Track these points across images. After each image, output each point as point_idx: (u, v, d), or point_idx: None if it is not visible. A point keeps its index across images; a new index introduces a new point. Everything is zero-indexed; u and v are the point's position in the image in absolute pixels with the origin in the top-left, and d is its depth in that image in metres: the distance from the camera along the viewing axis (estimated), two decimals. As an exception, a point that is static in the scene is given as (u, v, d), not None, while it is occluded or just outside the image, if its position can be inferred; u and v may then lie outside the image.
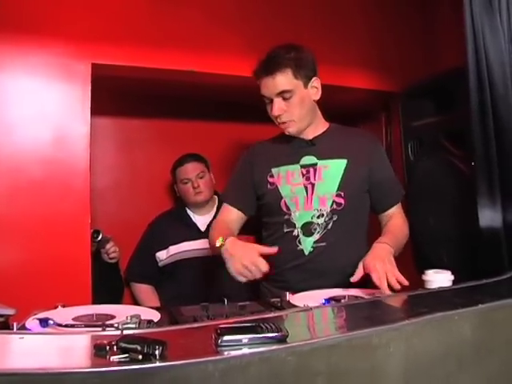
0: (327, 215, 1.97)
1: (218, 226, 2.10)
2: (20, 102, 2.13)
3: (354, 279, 1.71)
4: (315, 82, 1.97)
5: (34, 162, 2.12)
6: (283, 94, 1.91)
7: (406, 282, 1.62)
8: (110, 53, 2.25)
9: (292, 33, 2.53)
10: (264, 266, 1.70)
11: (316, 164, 2.01)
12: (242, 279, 1.74)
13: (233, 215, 2.13)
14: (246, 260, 1.72)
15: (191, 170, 2.85)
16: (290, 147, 2.07)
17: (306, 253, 1.98)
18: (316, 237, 1.98)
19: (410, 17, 3.04)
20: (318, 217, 1.98)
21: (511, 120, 1.83)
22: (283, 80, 1.90)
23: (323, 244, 1.97)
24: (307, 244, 1.98)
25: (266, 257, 2.07)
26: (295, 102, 1.93)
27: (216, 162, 3.05)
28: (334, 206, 1.97)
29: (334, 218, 1.97)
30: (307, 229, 1.99)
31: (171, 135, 3.12)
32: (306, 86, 1.94)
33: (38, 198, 2.12)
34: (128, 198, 3.05)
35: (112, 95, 2.68)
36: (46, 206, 2.13)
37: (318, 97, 2.00)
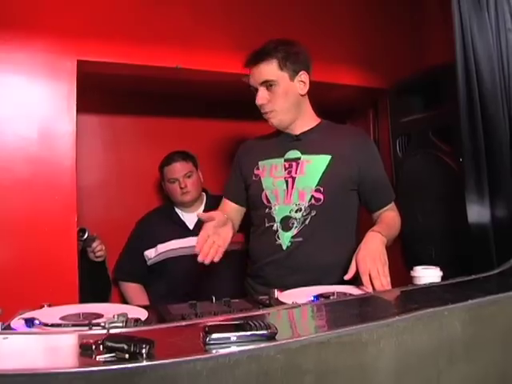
0: (305, 210, 1.96)
1: None
2: (5, 100, 2.10)
3: (347, 277, 1.72)
4: (303, 77, 1.97)
5: (19, 161, 2.10)
6: (267, 84, 1.94)
7: (388, 287, 1.65)
8: (96, 49, 2.23)
9: (279, 29, 2.51)
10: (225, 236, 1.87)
11: (299, 158, 2.01)
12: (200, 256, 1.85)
13: (229, 207, 2.17)
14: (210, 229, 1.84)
15: (179, 169, 2.83)
16: (277, 142, 2.08)
17: (284, 247, 1.98)
18: (294, 231, 1.97)
19: (397, 13, 3.04)
20: (296, 211, 1.97)
21: (499, 115, 1.84)
22: (267, 69, 1.93)
23: (300, 239, 1.97)
24: (285, 239, 1.98)
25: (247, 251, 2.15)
26: (279, 92, 1.94)
27: (204, 159, 3.04)
28: (313, 201, 1.96)
29: (313, 214, 1.96)
30: (285, 223, 1.98)
31: (158, 133, 3.10)
32: (292, 78, 1.95)
33: (23, 197, 2.10)
34: (115, 196, 3.03)
35: (98, 92, 2.67)
36: (32, 204, 2.11)
37: (304, 91, 1.99)
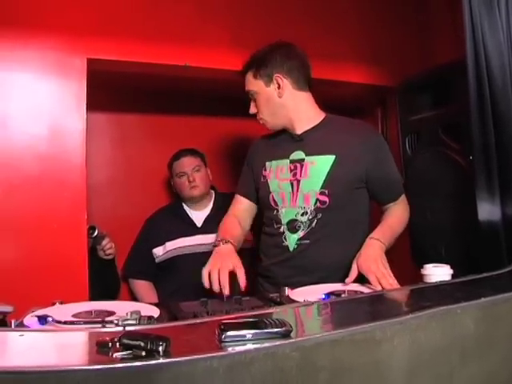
0: (311, 213, 1.95)
1: (228, 221, 2.14)
2: (15, 98, 2.11)
3: (348, 281, 1.73)
4: (278, 79, 1.96)
5: (29, 158, 2.10)
6: (250, 94, 2.02)
7: (396, 286, 1.66)
8: (106, 48, 2.23)
9: (286, 28, 2.52)
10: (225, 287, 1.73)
11: (303, 160, 2.00)
12: (206, 284, 1.81)
13: (242, 204, 2.19)
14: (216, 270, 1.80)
15: (187, 163, 2.85)
16: (282, 141, 2.08)
17: (291, 249, 1.98)
18: (300, 234, 1.97)
19: (405, 10, 3.03)
20: (302, 214, 1.96)
21: (510, 112, 1.83)
22: (247, 82, 2.04)
23: (307, 241, 1.96)
24: (292, 241, 1.98)
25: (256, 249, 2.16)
26: (260, 101, 2.01)
27: (212, 157, 3.05)
28: (318, 205, 1.94)
29: (319, 216, 1.95)
30: (292, 226, 1.98)
31: (167, 130, 3.10)
32: (267, 84, 1.98)
33: (33, 195, 2.10)
34: (123, 193, 3.04)
35: (107, 90, 2.66)
36: (42, 202, 2.11)
37: (281, 94, 1.98)
